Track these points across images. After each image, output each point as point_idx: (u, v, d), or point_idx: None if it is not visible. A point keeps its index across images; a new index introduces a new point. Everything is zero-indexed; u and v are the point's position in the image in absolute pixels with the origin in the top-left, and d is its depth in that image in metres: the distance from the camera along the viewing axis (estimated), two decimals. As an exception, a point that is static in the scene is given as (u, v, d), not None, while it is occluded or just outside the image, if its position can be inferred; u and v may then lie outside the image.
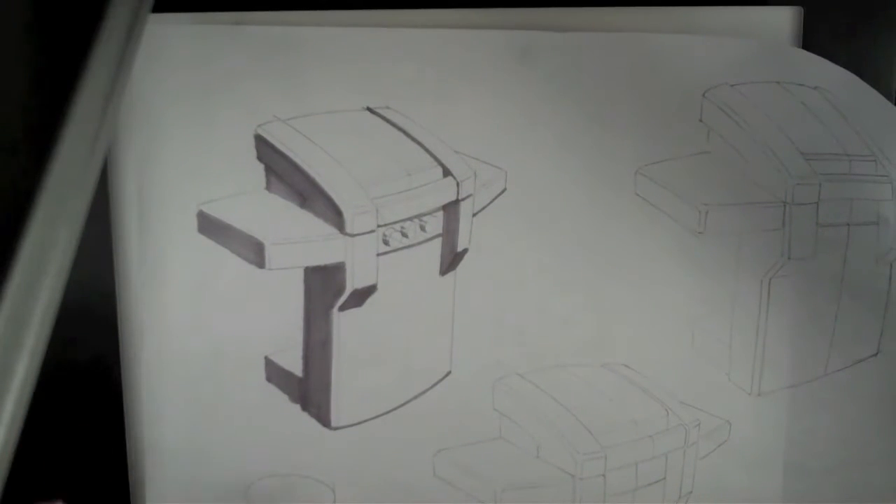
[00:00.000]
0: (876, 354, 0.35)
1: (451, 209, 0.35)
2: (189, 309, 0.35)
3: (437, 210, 0.35)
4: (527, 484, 0.36)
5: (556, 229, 0.35)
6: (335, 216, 0.34)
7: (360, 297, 0.35)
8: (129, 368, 0.36)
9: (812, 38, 0.34)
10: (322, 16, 0.34)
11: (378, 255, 0.34)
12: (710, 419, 0.36)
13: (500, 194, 0.35)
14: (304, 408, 0.36)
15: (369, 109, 0.35)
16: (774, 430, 0.36)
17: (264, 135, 0.34)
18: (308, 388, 0.36)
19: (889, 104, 0.34)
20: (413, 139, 0.34)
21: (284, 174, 0.34)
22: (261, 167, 0.34)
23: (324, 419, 0.36)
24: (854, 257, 0.35)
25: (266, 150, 0.34)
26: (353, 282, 0.34)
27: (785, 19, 0.34)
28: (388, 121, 0.35)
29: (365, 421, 0.36)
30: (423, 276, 0.35)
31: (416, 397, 0.36)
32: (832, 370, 0.35)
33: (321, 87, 0.34)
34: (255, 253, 0.34)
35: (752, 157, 0.34)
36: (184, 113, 0.34)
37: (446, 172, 0.34)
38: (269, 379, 0.36)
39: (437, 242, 0.35)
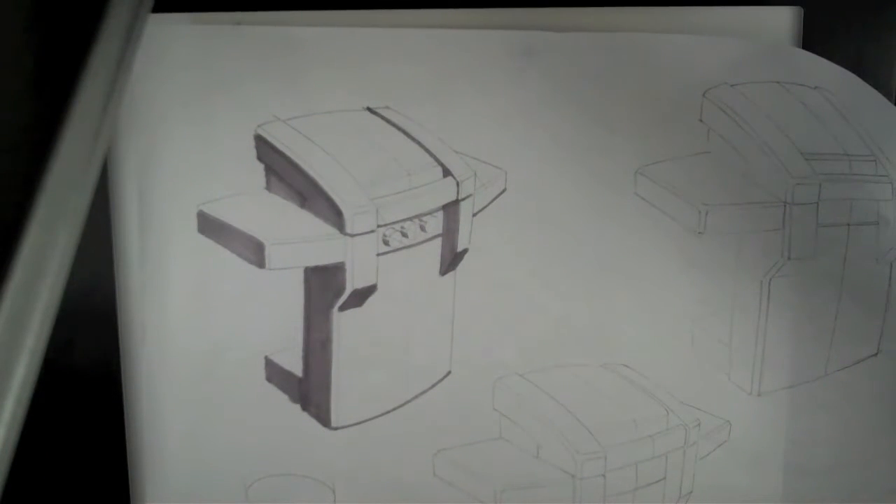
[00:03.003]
0: (876, 354, 0.35)
1: (451, 209, 0.35)
2: (189, 309, 0.35)
3: (437, 210, 0.35)
4: (527, 484, 0.36)
5: (556, 229, 0.35)
6: (335, 216, 0.34)
7: (360, 297, 0.35)
8: (129, 368, 0.36)
9: (812, 38, 0.34)
10: (322, 16, 0.34)
11: (378, 255, 0.34)
12: (710, 419, 0.36)
13: (500, 194, 0.35)
14: (304, 408, 0.36)
15: (369, 109, 0.35)
16: (774, 430, 0.36)
17: (264, 135, 0.34)
18: (308, 388, 0.36)
19: (889, 104, 0.34)
20: (413, 139, 0.34)
21: (284, 174, 0.34)
22: (261, 167, 0.34)
23: (324, 419, 0.36)
24: (854, 257, 0.35)
25: (266, 150, 0.34)
26: (353, 282, 0.34)
27: (785, 19, 0.34)
28: (388, 121, 0.35)
29: (365, 421, 0.36)
30: (423, 275, 0.35)
31: (416, 397, 0.36)
32: (832, 370, 0.35)
33: (321, 87, 0.34)
34: (255, 253, 0.34)
35: (752, 157, 0.34)
36: (184, 113, 0.34)
37: (446, 172, 0.34)
38: (269, 379, 0.36)
39: (437, 242, 0.35)
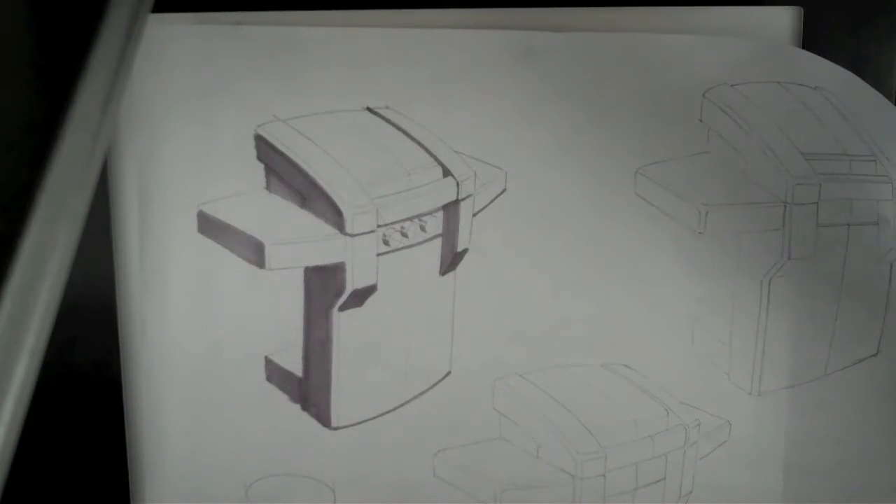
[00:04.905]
0: (876, 354, 0.35)
1: (451, 209, 0.35)
2: (189, 309, 0.35)
3: (437, 210, 0.35)
4: (527, 484, 0.36)
5: (556, 229, 0.35)
6: (335, 216, 0.34)
7: (360, 297, 0.35)
8: (129, 368, 0.36)
9: (812, 38, 0.34)
10: (322, 16, 0.34)
11: (378, 255, 0.34)
12: (710, 419, 0.36)
13: (500, 194, 0.35)
14: (304, 408, 0.36)
15: (369, 109, 0.35)
16: (774, 430, 0.36)
17: (264, 135, 0.34)
18: (308, 388, 0.36)
19: (889, 104, 0.34)
20: (413, 139, 0.34)
21: (284, 174, 0.34)
22: (261, 167, 0.34)
23: (324, 419, 0.36)
24: (854, 257, 0.35)
25: (266, 150, 0.34)
26: (353, 282, 0.34)
27: (785, 19, 0.34)
28: (388, 121, 0.35)
29: (365, 421, 0.36)
30: (423, 276, 0.35)
31: (416, 397, 0.36)
32: (832, 370, 0.35)
33: (321, 87, 0.34)
34: (255, 253, 0.34)
35: (752, 157, 0.34)
36: (184, 113, 0.34)
37: (446, 172, 0.34)
38: (269, 379, 0.36)
39: (437, 242, 0.35)
